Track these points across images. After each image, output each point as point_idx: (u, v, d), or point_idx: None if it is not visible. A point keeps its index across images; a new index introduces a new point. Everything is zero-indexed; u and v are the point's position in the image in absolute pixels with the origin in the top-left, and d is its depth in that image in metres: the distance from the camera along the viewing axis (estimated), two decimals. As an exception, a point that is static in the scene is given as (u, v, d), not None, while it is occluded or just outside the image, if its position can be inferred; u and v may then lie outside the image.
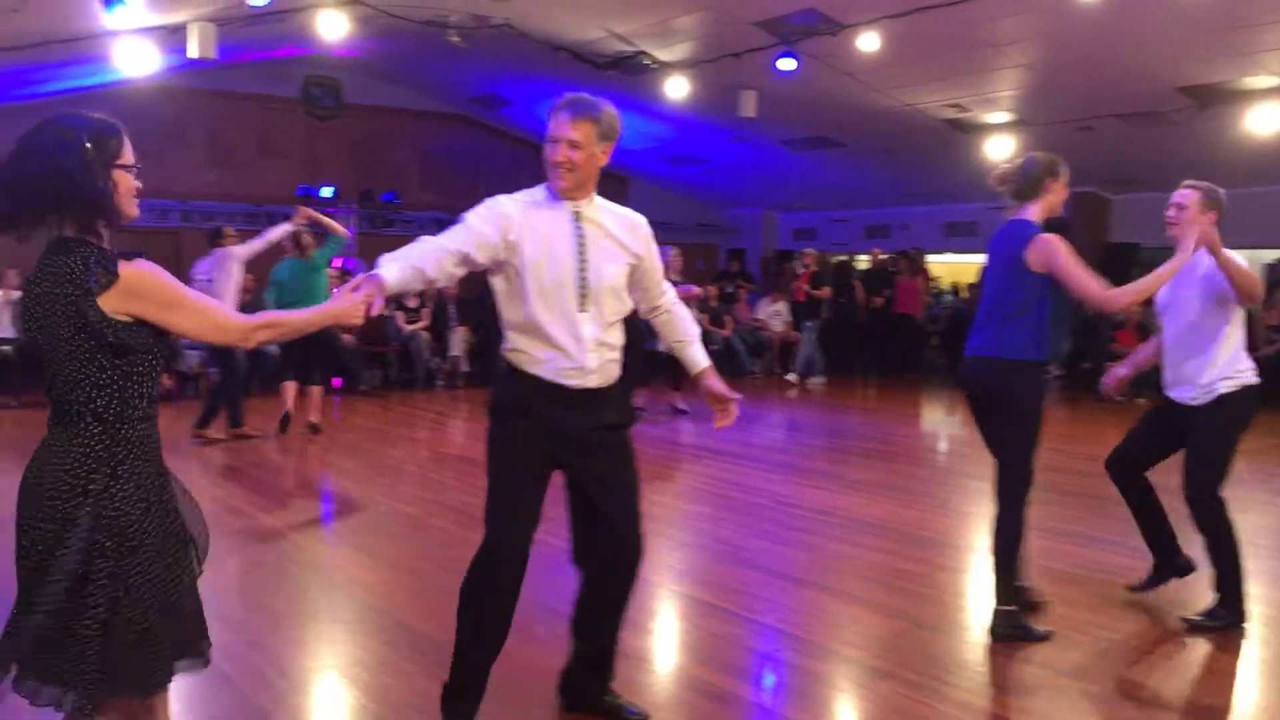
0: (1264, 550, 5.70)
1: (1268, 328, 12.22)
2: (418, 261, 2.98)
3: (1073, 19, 9.44)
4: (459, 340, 13.46)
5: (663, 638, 4.44)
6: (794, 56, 11.09)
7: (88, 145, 2.26)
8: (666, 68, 12.31)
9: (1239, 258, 4.38)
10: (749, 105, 12.54)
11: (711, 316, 14.50)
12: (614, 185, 18.29)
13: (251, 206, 15.06)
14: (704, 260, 18.47)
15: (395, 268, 2.90)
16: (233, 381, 9.21)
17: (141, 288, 2.26)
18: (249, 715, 3.46)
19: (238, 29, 10.52)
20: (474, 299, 14.92)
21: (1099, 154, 13.17)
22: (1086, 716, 3.52)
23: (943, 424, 10.85)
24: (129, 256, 2.27)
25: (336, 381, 12.80)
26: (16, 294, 10.94)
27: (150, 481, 2.35)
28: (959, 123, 12.89)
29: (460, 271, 3.13)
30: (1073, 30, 9.80)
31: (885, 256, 16.10)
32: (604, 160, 3.25)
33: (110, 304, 2.23)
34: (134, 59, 10.15)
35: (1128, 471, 4.75)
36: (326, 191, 15.06)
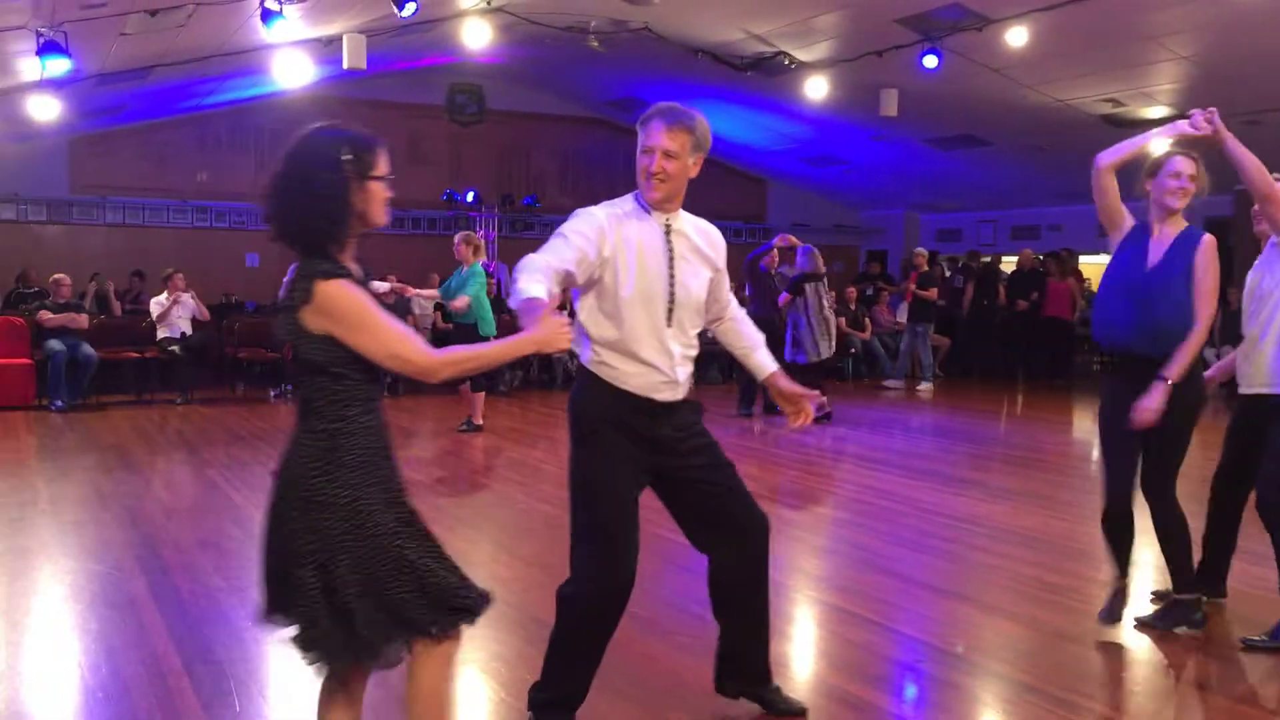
0: None
1: None
2: (547, 280, 2.87)
3: (1237, 8, 8.97)
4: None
5: (800, 644, 4.38)
6: (937, 53, 10.83)
7: (345, 158, 2.38)
8: (806, 68, 12.18)
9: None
10: (890, 104, 12.30)
11: (850, 319, 14.27)
12: (752, 187, 18.23)
13: (399, 211, 15.56)
14: (842, 262, 18.21)
15: (541, 286, 2.79)
16: None
17: (332, 307, 2.31)
18: (392, 703, 3.55)
19: (386, 39, 10.88)
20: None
21: (1266, 149, 12.38)
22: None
23: (1093, 431, 10.42)
24: (327, 275, 2.33)
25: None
26: (187, 295, 11.61)
27: (378, 473, 2.44)
28: (1114, 118, 12.37)
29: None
30: (1238, 20, 9.31)
31: (1037, 257, 15.56)
32: (694, 172, 3.21)
33: (309, 320, 2.32)
34: (290, 71, 10.60)
35: (1231, 485, 4.49)
36: (470, 196, 15.44)
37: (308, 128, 2.45)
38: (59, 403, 10.66)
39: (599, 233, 3.08)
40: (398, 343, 2.36)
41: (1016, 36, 10.11)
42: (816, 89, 12.19)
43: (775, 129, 15.37)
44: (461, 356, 2.52)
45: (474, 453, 8.74)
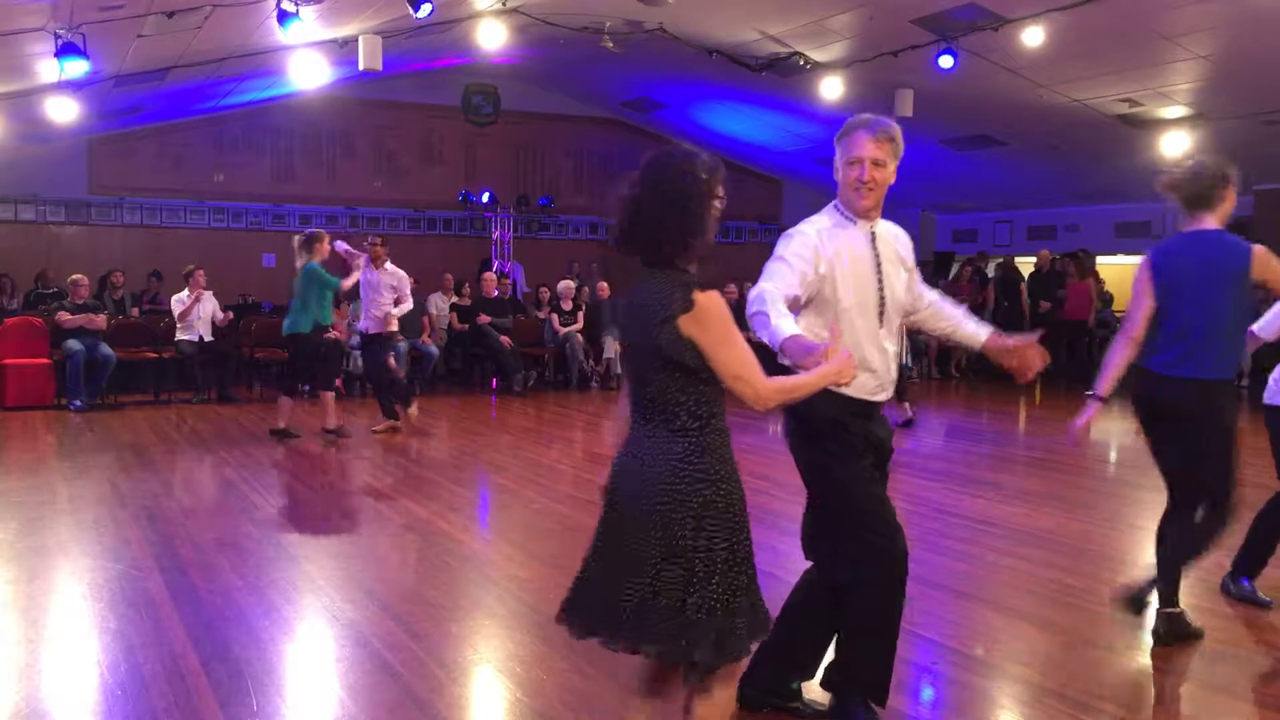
0: None
1: None
2: (789, 312, 2.92)
3: (1255, 8, 8.90)
4: (613, 343, 13.60)
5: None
6: (953, 54, 10.79)
7: (704, 178, 2.52)
8: (821, 68, 12.15)
9: None
10: (906, 104, 12.26)
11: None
12: (767, 187, 18.21)
13: (414, 212, 15.62)
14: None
15: (791, 320, 2.84)
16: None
17: (706, 317, 2.43)
18: (409, 703, 3.56)
19: (402, 41, 10.91)
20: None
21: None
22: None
23: (1112, 433, 10.36)
24: (705, 287, 2.47)
25: (494, 382, 13.13)
26: (208, 294, 11.67)
27: (734, 473, 2.55)
28: (1131, 118, 12.31)
29: None
30: (1256, 20, 9.24)
31: (1054, 258, 15.49)
32: (893, 180, 3.28)
33: (683, 326, 2.43)
34: (307, 72, 10.63)
35: None
36: (485, 197, 15.47)
37: (664, 149, 2.62)
38: (78, 403, 10.72)
39: (814, 251, 3.16)
40: (746, 365, 2.44)
41: (1032, 36, 10.06)
42: (832, 89, 12.16)
43: (790, 129, 15.34)
44: (789, 385, 2.54)
45: (491, 453, 8.75)
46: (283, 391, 9.38)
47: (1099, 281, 15.38)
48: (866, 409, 3.25)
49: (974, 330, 3.48)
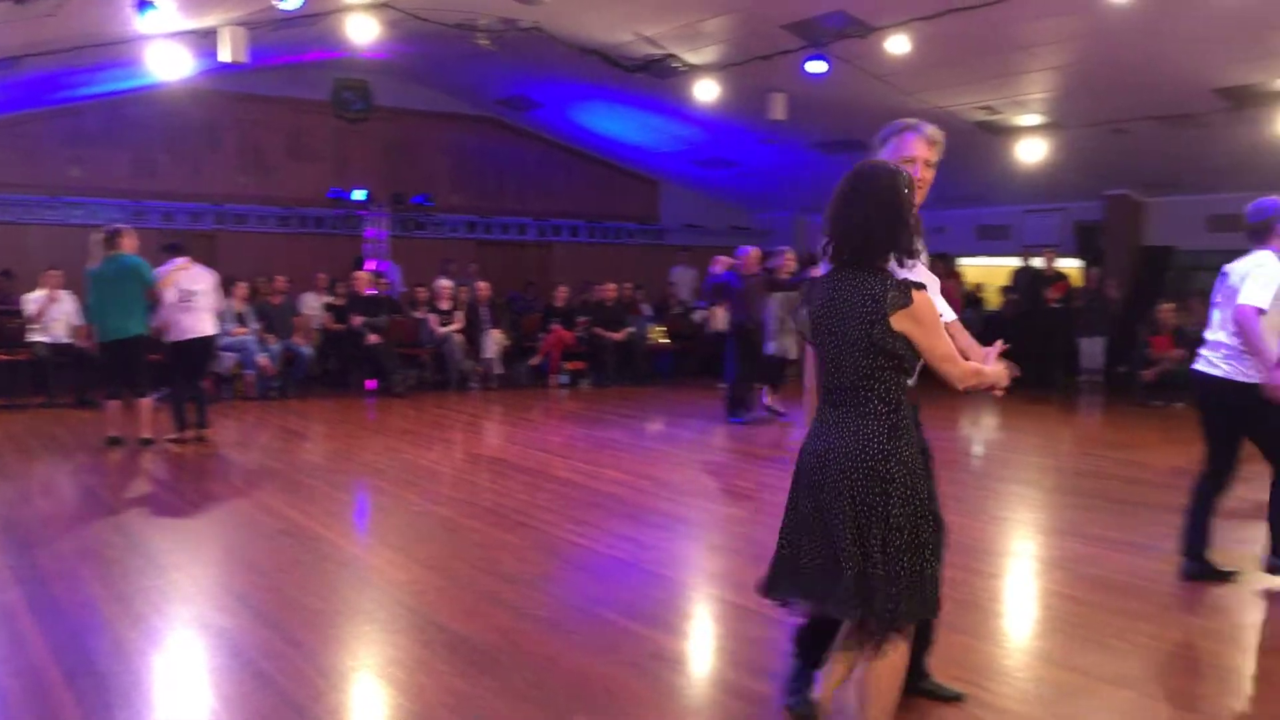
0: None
1: None
2: None
3: (1106, 20, 9.36)
4: (492, 343, 13.50)
5: (699, 641, 4.45)
6: (823, 59, 11.06)
7: (906, 191, 2.84)
8: (696, 70, 12.30)
9: None
10: (779, 108, 12.51)
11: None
12: (644, 188, 18.33)
13: (283, 209, 15.20)
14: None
15: None
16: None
17: (921, 313, 2.78)
18: (287, 711, 3.48)
19: (268, 33, 10.61)
20: (505, 301, 14.99)
21: (1133, 157, 13.05)
22: (1127, 722, 3.49)
23: (977, 429, 10.78)
24: (918, 286, 2.79)
25: (370, 384, 12.90)
26: (65, 294, 11.13)
27: (916, 454, 2.89)
28: (990, 125, 12.81)
29: None
30: (1106, 32, 9.72)
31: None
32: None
33: (897, 320, 2.76)
34: (166, 63, 10.24)
35: None
36: (358, 194, 15.16)
37: (871, 162, 2.95)
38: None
39: None
40: (950, 349, 2.87)
41: (897, 44, 10.38)
42: (706, 92, 12.32)
43: (667, 130, 15.48)
44: (976, 370, 2.96)
45: (369, 455, 8.60)
46: (152, 395, 9.02)
47: (961, 283, 15.99)
48: None
49: None
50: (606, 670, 3.85)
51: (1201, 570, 5.07)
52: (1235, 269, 5.03)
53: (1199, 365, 5.09)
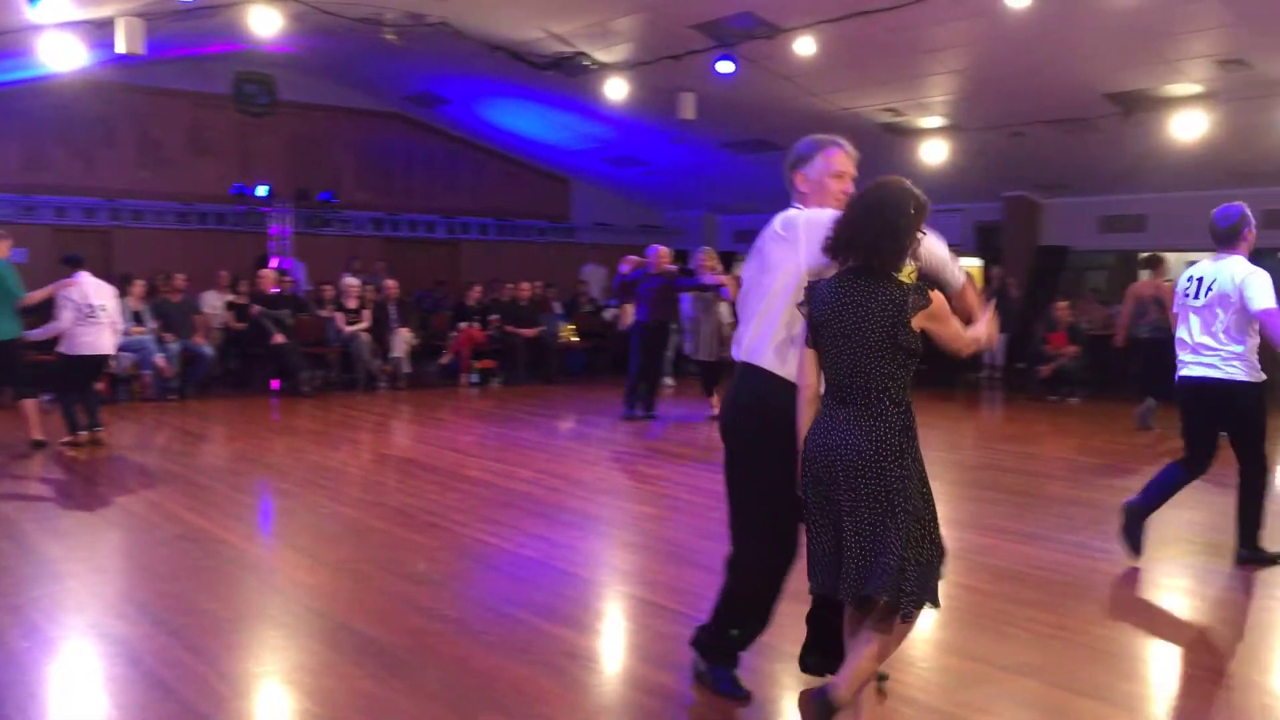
0: (1194, 547, 5.87)
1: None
2: None
3: (1002, 27, 9.63)
4: (401, 342, 13.33)
5: (610, 638, 4.46)
6: (732, 59, 11.16)
7: (913, 211, 3.07)
8: (606, 69, 12.32)
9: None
10: (688, 107, 12.60)
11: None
12: (555, 186, 18.29)
13: (183, 205, 14.79)
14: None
15: None
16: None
17: (939, 310, 3.07)
18: (190, 722, 3.40)
19: (167, 24, 10.33)
20: (414, 300, 14.81)
21: (1029, 159, 13.45)
22: (1027, 709, 3.59)
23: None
24: (932, 286, 3.11)
25: (275, 384, 12.64)
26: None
27: (918, 449, 3.13)
28: (894, 127, 13.07)
29: None
30: (1002, 38, 10.00)
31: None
32: None
33: (917, 319, 3.02)
34: (59, 54, 9.90)
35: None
36: (261, 190, 14.83)
37: (890, 180, 3.14)
38: None
39: None
40: (959, 329, 3.17)
41: (804, 46, 10.53)
42: (616, 90, 12.35)
43: (577, 129, 15.47)
44: (974, 338, 3.24)
45: (274, 457, 8.43)
46: (41, 397, 8.69)
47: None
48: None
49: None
50: (518, 669, 3.84)
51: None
52: (1212, 275, 5.21)
53: (1192, 371, 5.27)
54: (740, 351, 3.44)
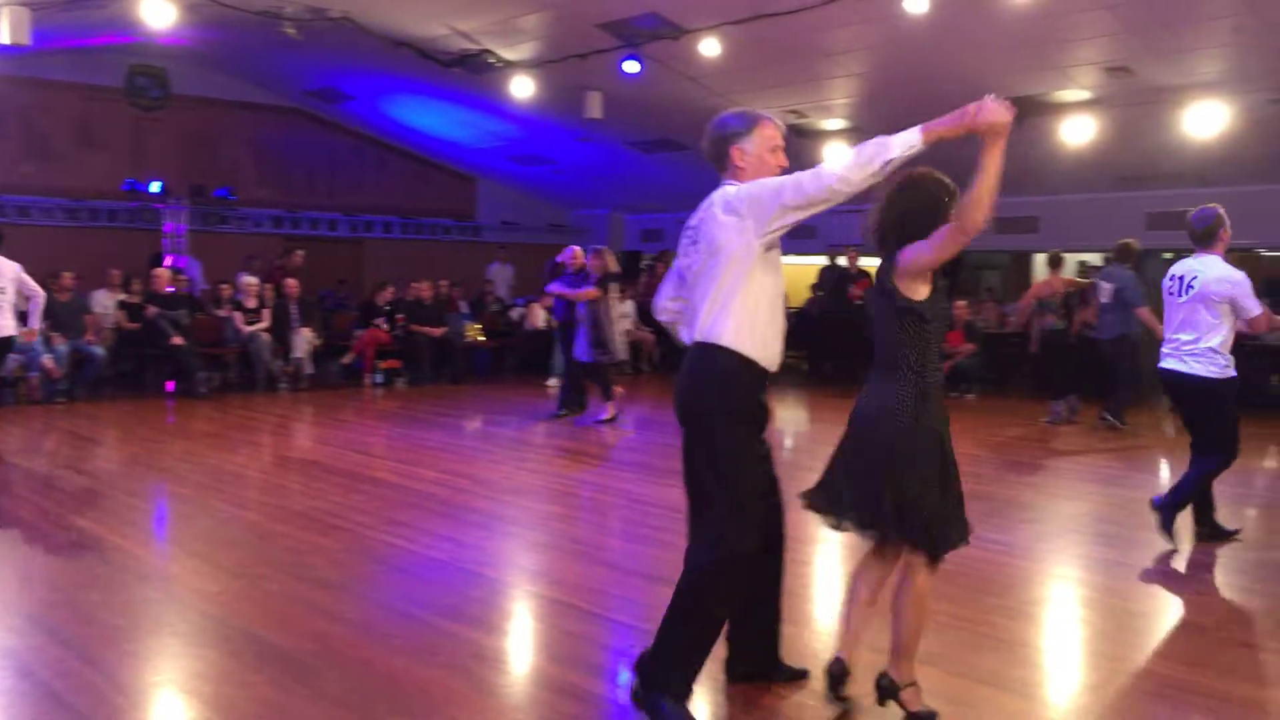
0: (1084, 537, 6.08)
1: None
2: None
3: (901, 31, 9.85)
4: (302, 342, 13.06)
5: (518, 638, 4.44)
6: (638, 59, 11.20)
7: (946, 199, 3.36)
8: (511, 67, 12.26)
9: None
10: (595, 106, 12.62)
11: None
12: (461, 184, 18.13)
13: (71, 201, 14.28)
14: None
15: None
16: None
17: (901, 258, 3.30)
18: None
19: (54, 14, 9.97)
20: (316, 299, 14.53)
21: (927, 161, 13.65)
22: (930, 697, 3.66)
23: (787, 422, 11.14)
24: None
25: (170, 386, 12.28)
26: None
27: (943, 412, 3.37)
28: (798, 128, 13.27)
29: None
30: (901, 43, 10.23)
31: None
32: None
33: (900, 283, 3.28)
34: (-61, 43, 9.49)
35: None
36: (154, 186, 14.37)
37: (922, 170, 3.48)
38: None
39: None
40: (937, 240, 3.27)
41: (709, 47, 10.64)
42: (522, 88, 12.30)
43: (483, 127, 15.36)
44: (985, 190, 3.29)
45: (170, 461, 8.19)
46: None
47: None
48: (767, 381, 3.42)
49: None
50: (425, 672, 3.81)
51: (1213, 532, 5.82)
52: (1193, 274, 5.56)
53: (1170, 364, 5.65)
54: (694, 333, 3.40)
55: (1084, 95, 10.95)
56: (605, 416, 10.00)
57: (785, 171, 3.44)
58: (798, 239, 17.07)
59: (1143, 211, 13.02)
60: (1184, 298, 5.57)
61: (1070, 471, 8.28)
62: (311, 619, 4.38)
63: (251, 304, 12.91)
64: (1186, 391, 5.63)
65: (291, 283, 13.42)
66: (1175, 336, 5.63)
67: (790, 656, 3.85)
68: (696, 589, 3.34)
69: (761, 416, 3.46)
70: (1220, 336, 5.47)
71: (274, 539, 5.74)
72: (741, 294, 3.31)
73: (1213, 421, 5.61)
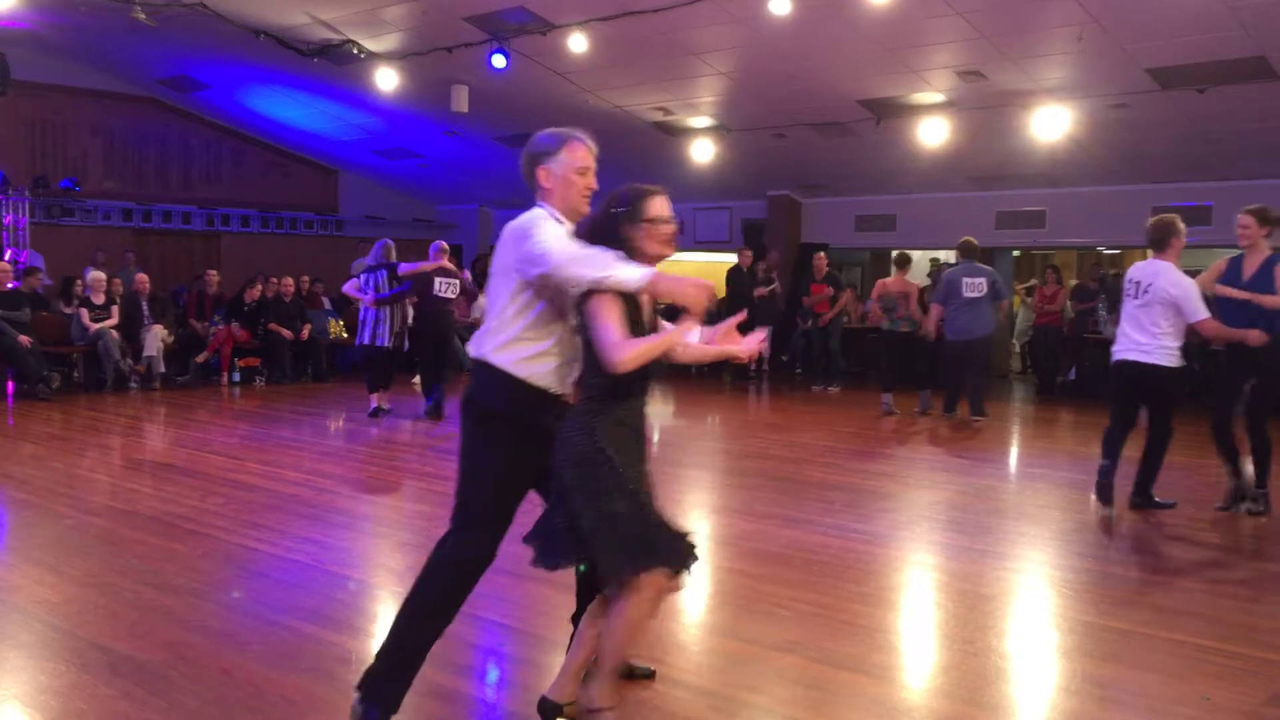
0: (938, 525, 6.32)
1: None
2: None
3: (764, 32, 10.05)
4: (154, 339, 12.55)
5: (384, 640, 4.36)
6: (505, 54, 11.14)
7: (613, 210, 3.24)
8: (376, 58, 12.04)
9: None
10: (461, 100, 12.49)
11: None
12: (322, 177, 17.71)
13: (-102, 192, 13.40)
14: (418, 257, 18.18)
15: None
16: None
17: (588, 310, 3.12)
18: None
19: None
20: (169, 295, 13.99)
21: (791, 160, 14.07)
22: (791, 685, 3.78)
23: (658, 416, 11.25)
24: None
25: (9, 386, 11.65)
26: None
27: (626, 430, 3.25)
28: (666, 125, 13.40)
29: None
30: (765, 43, 10.43)
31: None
32: None
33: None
34: None
35: None
36: (-8, 177, 13.61)
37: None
38: None
39: None
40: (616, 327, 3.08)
41: (577, 43, 10.65)
42: (387, 80, 12.09)
43: (346, 119, 15.02)
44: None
45: (11, 465, 7.77)
46: None
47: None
48: (549, 401, 3.37)
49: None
50: (289, 679, 3.72)
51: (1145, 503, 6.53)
52: (1148, 279, 6.20)
53: (1128, 355, 6.27)
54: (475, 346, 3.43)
55: (939, 98, 11.35)
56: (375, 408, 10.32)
57: (596, 194, 3.39)
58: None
59: (993, 210, 13.59)
60: (1139, 300, 6.24)
61: (924, 462, 8.59)
62: (166, 628, 4.22)
63: (99, 300, 12.35)
64: (1145, 380, 6.26)
65: (141, 278, 12.88)
66: (1130, 334, 6.28)
67: (640, 648, 3.87)
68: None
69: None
70: (1171, 334, 6.14)
71: (124, 545, 5.51)
72: (509, 315, 3.28)
73: (1166, 405, 6.36)
